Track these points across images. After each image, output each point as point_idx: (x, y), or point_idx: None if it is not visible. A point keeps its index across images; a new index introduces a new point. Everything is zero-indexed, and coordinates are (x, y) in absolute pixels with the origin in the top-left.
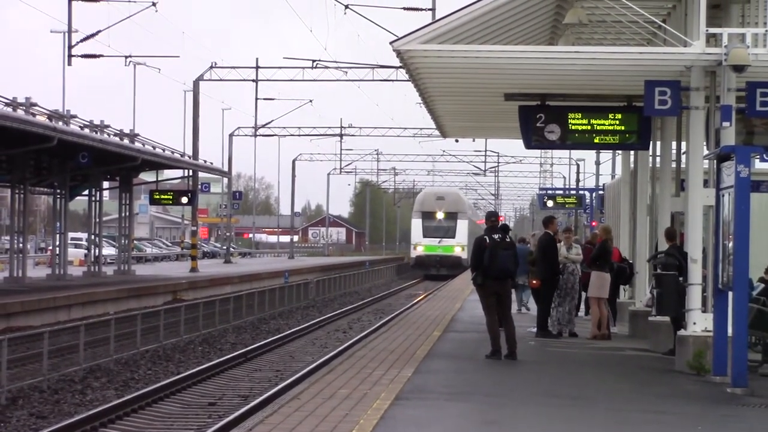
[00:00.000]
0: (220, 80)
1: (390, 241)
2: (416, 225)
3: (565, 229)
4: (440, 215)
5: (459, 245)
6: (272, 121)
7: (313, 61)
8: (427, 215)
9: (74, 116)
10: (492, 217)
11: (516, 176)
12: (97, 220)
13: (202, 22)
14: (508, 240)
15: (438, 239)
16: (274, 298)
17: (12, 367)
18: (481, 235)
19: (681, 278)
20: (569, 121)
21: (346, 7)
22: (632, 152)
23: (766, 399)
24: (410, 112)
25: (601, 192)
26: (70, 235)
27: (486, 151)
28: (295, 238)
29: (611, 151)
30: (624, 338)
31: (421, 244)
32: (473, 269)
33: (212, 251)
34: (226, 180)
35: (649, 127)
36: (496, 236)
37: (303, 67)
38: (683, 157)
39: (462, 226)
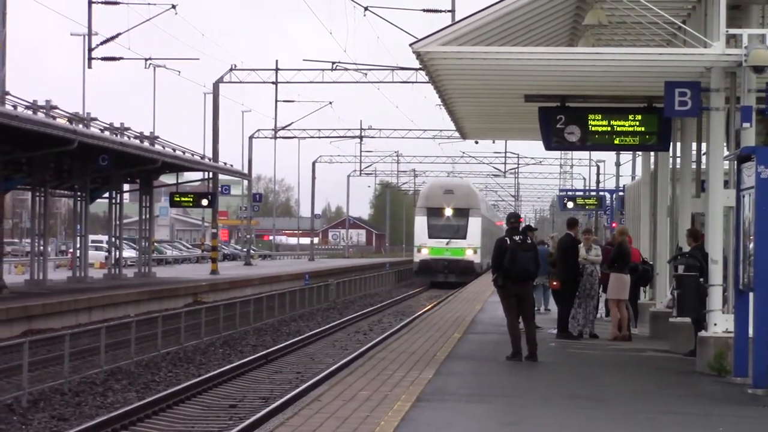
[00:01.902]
0: (240, 82)
1: (410, 243)
2: (420, 223)
3: (585, 230)
4: (448, 212)
5: (471, 247)
6: (292, 123)
7: (333, 63)
8: (433, 212)
9: (94, 119)
10: (512, 218)
11: (536, 178)
12: (118, 222)
13: (222, 24)
14: (528, 242)
15: (446, 240)
16: (294, 300)
17: (33, 369)
18: (501, 237)
19: (702, 279)
20: (589, 122)
21: (366, 9)
22: (652, 153)
23: None
24: (430, 113)
25: (621, 193)
26: (91, 237)
27: (506, 152)
28: (315, 240)
29: (631, 152)
30: (645, 339)
31: (426, 246)
32: (494, 271)
33: (232, 253)
34: (246, 182)
35: (669, 128)
36: (516, 238)
37: (323, 69)
38: (703, 158)
39: (474, 225)
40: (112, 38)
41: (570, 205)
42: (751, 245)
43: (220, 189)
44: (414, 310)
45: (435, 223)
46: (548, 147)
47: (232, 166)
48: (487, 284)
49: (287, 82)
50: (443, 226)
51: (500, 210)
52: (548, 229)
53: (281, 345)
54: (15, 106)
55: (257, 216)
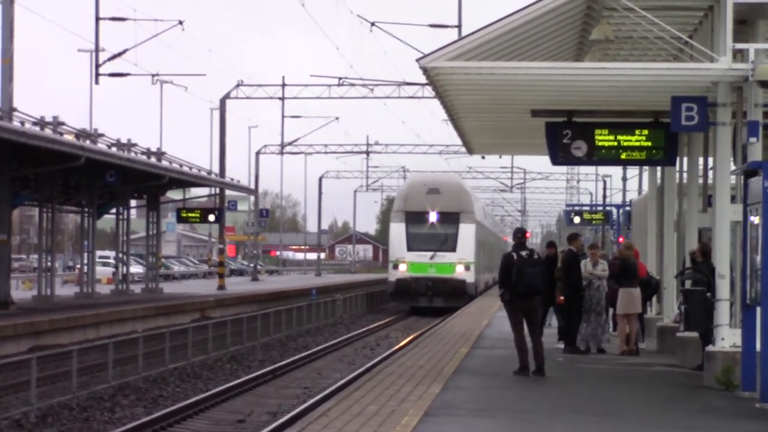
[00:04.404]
0: (247, 98)
1: None
2: (397, 232)
3: (591, 245)
4: (433, 216)
5: (462, 263)
6: (299, 138)
7: (339, 78)
8: (414, 217)
9: (102, 135)
10: (519, 233)
11: (543, 192)
12: (125, 238)
13: (228, 40)
14: (535, 257)
15: (430, 253)
16: (301, 315)
17: (41, 385)
18: (509, 252)
19: (709, 294)
20: (596, 137)
21: (372, 24)
22: (659, 168)
23: None
24: (437, 129)
25: (628, 208)
26: (98, 253)
27: (512, 167)
28: (322, 255)
29: (638, 167)
30: (652, 354)
31: (404, 261)
32: (501, 286)
33: (239, 269)
34: (253, 198)
35: (675, 143)
36: (524, 253)
37: (329, 85)
38: (710, 173)
39: (466, 234)
40: (119, 54)
41: (577, 219)
42: (758, 259)
43: (226, 204)
44: (421, 324)
45: (416, 232)
46: (555, 162)
47: (239, 181)
48: (494, 300)
49: (294, 98)
50: (426, 235)
51: (507, 225)
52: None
53: (289, 360)
54: (22, 123)
55: (264, 231)
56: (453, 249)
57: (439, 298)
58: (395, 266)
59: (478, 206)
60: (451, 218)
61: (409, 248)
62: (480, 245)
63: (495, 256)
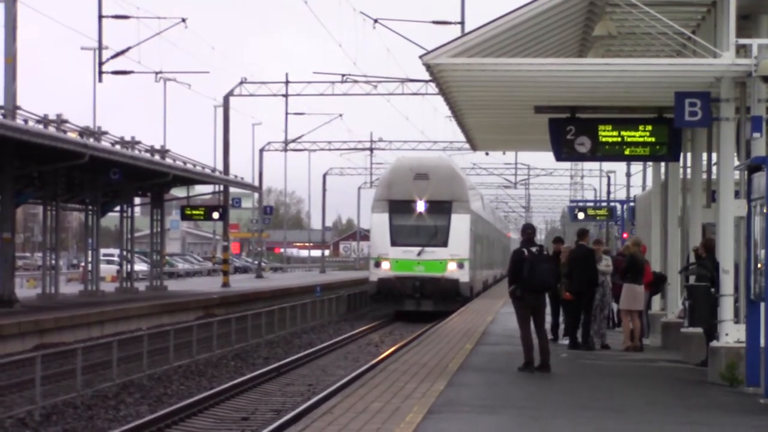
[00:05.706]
0: (251, 95)
1: None
2: (379, 224)
3: (595, 241)
4: (421, 206)
5: (454, 260)
6: (302, 135)
7: (343, 75)
8: (399, 206)
9: (105, 132)
10: (528, 229)
11: (546, 189)
12: (129, 236)
13: (232, 37)
14: (545, 253)
15: (417, 249)
16: (306, 312)
17: (46, 383)
18: (518, 248)
19: (713, 289)
20: (599, 133)
21: (376, 21)
22: (663, 164)
23: None
24: (440, 125)
25: (632, 204)
26: (102, 251)
27: (516, 163)
28: (326, 252)
29: (642, 162)
30: (656, 350)
31: (387, 258)
32: (511, 282)
33: (244, 266)
34: (257, 195)
35: (679, 138)
36: (533, 249)
37: (333, 82)
38: (714, 168)
39: (460, 226)
40: (123, 52)
41: (581, 215)
42: (762, 255)
43: (231, 202)
44: (426, 322)
45: (401, 224)
46: (558, 158)
47: (242, 178)
48: (502, 295)
49: (297, 95)
50: (413, 227)
51: (511, 222)
52: None
53: (293, 357)
54: (26, 121)
55: (268, 228)
56: (444, 244)
57: (428, 300)
58: (377, 264)
59: (474, 194)
60: (441, 208)
61: (393, 243)
62: (477, 239)
63: (495, 253)
